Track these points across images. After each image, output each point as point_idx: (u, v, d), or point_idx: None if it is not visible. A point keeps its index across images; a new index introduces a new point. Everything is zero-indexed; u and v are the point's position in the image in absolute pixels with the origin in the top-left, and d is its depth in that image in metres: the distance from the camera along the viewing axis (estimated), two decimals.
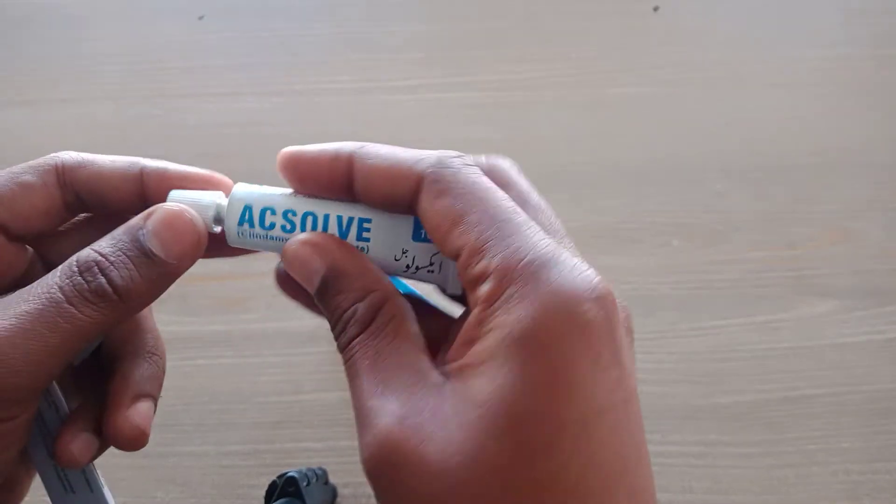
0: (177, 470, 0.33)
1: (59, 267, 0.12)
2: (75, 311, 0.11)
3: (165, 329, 0.37)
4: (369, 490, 0.35)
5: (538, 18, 0.51)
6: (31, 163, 0.13)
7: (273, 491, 0.29)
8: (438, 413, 0.10)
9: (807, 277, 0.39)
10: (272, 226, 0.14)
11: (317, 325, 0.36)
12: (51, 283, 0.11)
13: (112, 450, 0.33)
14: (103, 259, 0.11)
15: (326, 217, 0.14)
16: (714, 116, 0.46)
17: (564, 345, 0.10)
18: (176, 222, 0.12)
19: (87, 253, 0.12)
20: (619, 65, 0.48)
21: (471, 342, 0.11)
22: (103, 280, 0.11)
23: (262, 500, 0.30)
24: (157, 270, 0.12)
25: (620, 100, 0.46)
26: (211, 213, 0.14)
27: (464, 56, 0.49)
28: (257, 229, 0.14)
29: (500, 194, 0.12)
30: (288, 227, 0.14)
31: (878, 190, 0.42)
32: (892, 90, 0.47)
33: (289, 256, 0.13)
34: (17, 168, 0.13)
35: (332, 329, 0.12)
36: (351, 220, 0.14)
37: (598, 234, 0.40)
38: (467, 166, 0.13)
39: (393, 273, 0.14)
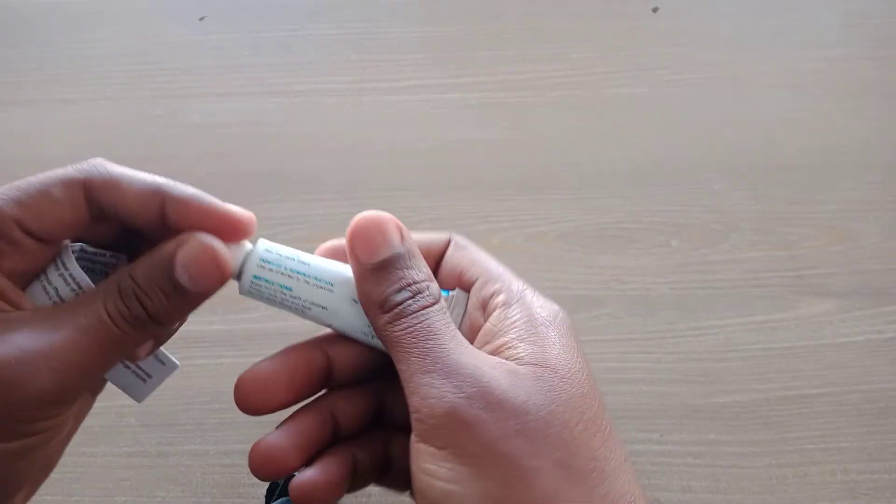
0: (178, 469, 0.33)
1: (104, 288, 0.13)
2: (118, 331, 0.13)
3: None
4: (370, 488, 0.36)
5: (537, 19, 0.51)
6: (61, 174, 0.14)
7: (274, 490, 0.30)
8: (500, 374, 0.13)
9: (805, 277, 0.39)
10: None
11: (317, 326, 0.37)
12: (99, 307, 0.13)
13: (110, 449, 0.34)
14: (141, 291, 0.13)
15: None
16: (713, 117, 0.46)
17: (551, 334, 0.15)
18: (203, 258, 0.13)
19: (127, 283, 0.13)
20: (618, 65, 0.48)
21: (496, 334, 0.15)
22: (141, 310, 0.13)
23: (263, 500, 0.30)
24: (186, 299, 0.14)
25: (619, 100, 0.46)
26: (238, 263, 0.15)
27: (463, 57, 0.49)
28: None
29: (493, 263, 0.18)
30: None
31: (877, 190, 0.42)
32: (891, 91, 0.47)
33: (367, 219, 0.14)
34: (48, 177, 0.14)
35: (395, 295, 0.14)
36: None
37: (597, 234, 0.41)
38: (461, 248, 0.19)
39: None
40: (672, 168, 0.43)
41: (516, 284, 0.16)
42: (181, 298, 0.14)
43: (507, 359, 0.14)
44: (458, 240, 0.18)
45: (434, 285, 0.15)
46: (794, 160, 0.44)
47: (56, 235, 0.14)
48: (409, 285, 0.14)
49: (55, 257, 0.14)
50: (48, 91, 0.48)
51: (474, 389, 0.13)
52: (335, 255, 0.16)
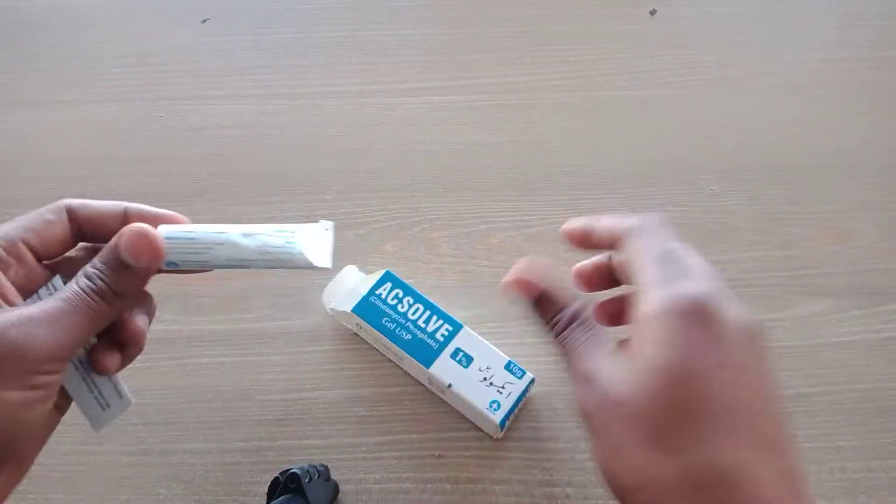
0: (180, 467, 0.33)
1: (75, 277, 0.18)
2: (91, 301, 0.17)
3: (169, 328, 0.38)
4: (370, 486, 0.36)
5: (537, 22, 0.52)
6: (49, 206, 0.19)
7: (275, 487, 0.30)
8: (624, 365, 0.17)
9: (802, 277, 0.39)
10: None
11: (318, 324, 0.37)
12: (73, 285, 0.18)
13: (115, 448, 0.34)
14: (100, 272, 0.18)
15: None
16: (711, 118, 0.46)
17: (679, 319, 0.16)
18: (138, 239, 0.18)
19: (88, 269, 0.18)
20: (617, 68, 0.49)
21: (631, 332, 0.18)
22: (103, 285, 0.18)
23: (265, 497, 0.30)
24: (135, 274, 0.18)
25: (618, 102, 0.47)
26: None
27: (464, 59, 0.49)
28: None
29: (671, 243, 0.18)
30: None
31: (873, 191, 0.43)
32: (888, 92, 0.47)
33: (516, 280, 0.20)
34: (40, 209, 0.19)
35: (547, 323, 0.19)
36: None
37: None
38: (659, 227, 0.19)
39: None
40: (670, 169, 0.44)
41: (651, 285, 0.17)
42: (131, 273, 0.18)
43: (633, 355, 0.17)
44: (639, 227, 0.19)
45: (568, 309, 0.19)
46: (792, 161, 0.44)
47: (52, 251, 0.19)
48: (551, 315, 0.19)
49: (46, 282, 0.18)
50: (50, 92, 0.48)
51: (600, 395, 0.17)
52: (533, 272, 0.20)
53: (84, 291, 0.17)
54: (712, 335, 0.15)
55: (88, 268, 0.18)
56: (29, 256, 0.18)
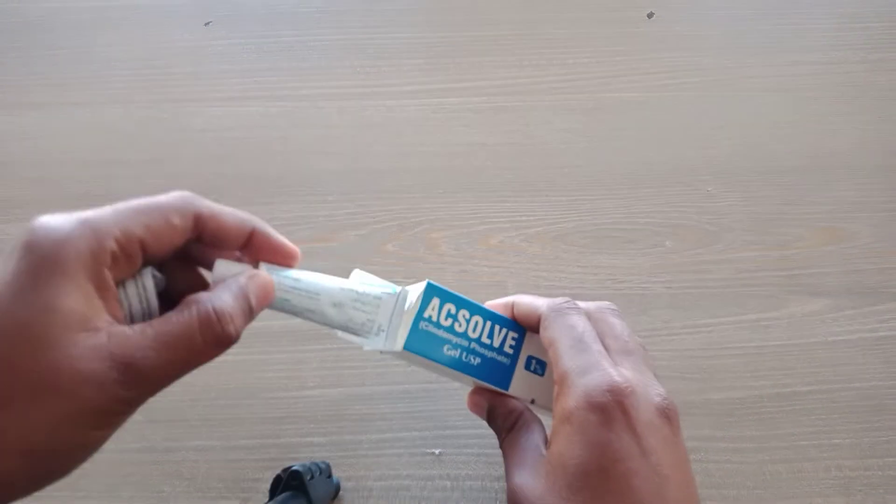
0: (183, 464, 0.34)
1: (192, 307, 0.16)
2: (203, 353, 0.16)
3: None
4: (371, 483, 0.36)
5: (535, 25, 0.52)
6: (173, 204, 0.17)
7: (278, 484, 0.30)
8: (541, 471, 0.17)
9: (798, 277, 0.40)
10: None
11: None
12: (191, 325, 0.15)
13: (117, 445, 0.34)
14: (231, 316, 0.16)
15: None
16: (707, 120, 0.46)
17: (587, 420, 0.16)
18: (268, 288, 0.18)
19: (221, 308, 0.16)
20: (615, 70, 0.49)
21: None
22: (232, 330, 0.16)
23: (268, 494, 0.31)
24: (251, 319, 0.17)
25: (615, 104, 0.47)
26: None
27: (464, 62, 0.50)
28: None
29: (580, 329, 0.19)
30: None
31: (868, 191, 0.43)
32: (883, 94, 0.48)
33: (470, 403, 0.22)
34: (166, 205, 0.17)
35: (497, 436, 0.21)
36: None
37: (593, 236, 0.41)
38: (570, 310, 0.20)
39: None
40: (667, 170, 0.44)
41: (581, 361, 0.18)
42: (250, 319, 0.17)
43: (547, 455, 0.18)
44: (549, 315, 0.20)
45: (510, 418, 0.20)
46: (787, 162, 0.44)
47: (162, 256, 0.17)
48: (497, 427, 0.21)
49: (135, 275, 0.16)
50: (55, 94, 0.49)
51: (510, 495, 0.18)
52: (482, 397, 0.22)
53: (203, 337, 0.15)
54: (619, 428, 0.16)
55: (220, 306, 0.16)
56: (139, 258, 0.16)
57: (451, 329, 0.21)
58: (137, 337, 0.15)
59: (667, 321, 0.38)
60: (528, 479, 0.17)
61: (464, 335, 0.21)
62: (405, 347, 0.20)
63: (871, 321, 0.38)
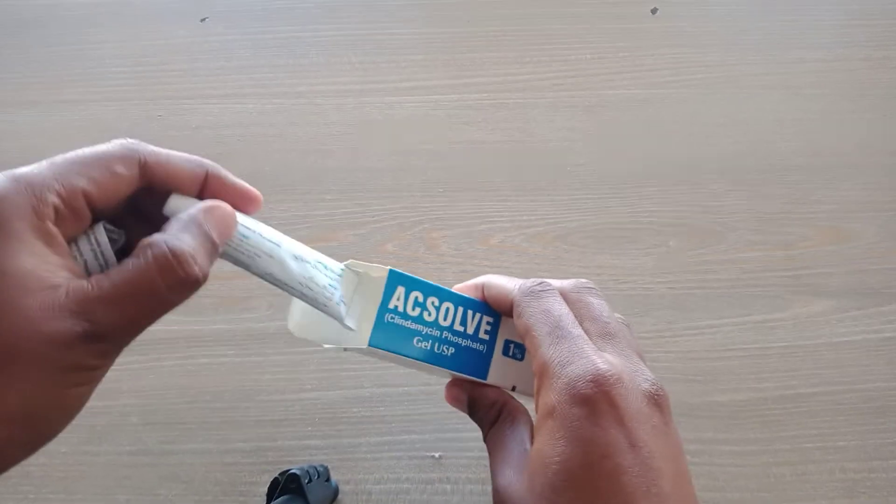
0: (180, 467, 0.33)
1: (147, 250, 0.14)
2: (168, 300, 0.14)
3: (169, 328, 0.38)
4: (370, 487, 0.36)
5: (536, 21, 0.52)
6: (118, 151, 0.15)
7: (275, 488, 0.30)
8: (524, 470, 0.16)
9: (802, 277, 0.39)
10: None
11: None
12: (151, 273, 0.14)
13: (113, 448, 0.34)
14: (191, 255, 0.14)
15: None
16: (711, 118, 0.46)
17: (570, 414, 0.15)
18: (228, 220, 0.16)
19: (178, 247, 0.14)
20: (617, 67, 0.49)
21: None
22: (196, 271, 0.14)
23: (265, 498, 0.30)
24: (216, 255, 0.15)
25: (618, 101, 0.47)
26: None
27: (463, 58, 0.49)
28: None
29: (557, 313, 0.17)
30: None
31: (873, 191, 0.43)
32: (888, 92, 0.47)
33: (448, 397, 0.20)
34: (108, 154, 0.15)
35: (479, 423, 0.19)
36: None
37: (595, 235, 0.41)
38: (544, 292, 0.18)
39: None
40: (670, 169, 0.44)
41: (562, 349, 0.16)
42: (214, 255, 0.15)
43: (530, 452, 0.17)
44: (521, 300, 0.18)
45: (493, 409, 0.19)
46: (792, 161, 0.44)
47: (111, 208, 0.15)
48: (479, 420, 0.19)
49: (86, 231, 0.15)
50: (50, 92, 0.48)
51: (496, 496, 0.17)
52: (461, 389, 0.21)
53: (162, 282, 0.14)
54: (606, 422, 0.15)
55: (177, 245, 0.14)
56: (86, 212, 0.15)
57: (420, 319, 0.19)
58: (95, 290, 0.14)
59: (670, 322, 0.38)
60: (512, 479, 0.16)
61: (434, 324, 0.19)
62: (370, 344, 0.18)
63: (876, 322, 0.38)
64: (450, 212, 0.42)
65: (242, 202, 0.17)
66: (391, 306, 0.19)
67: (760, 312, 0.38)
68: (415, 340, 0.19)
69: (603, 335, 0.17)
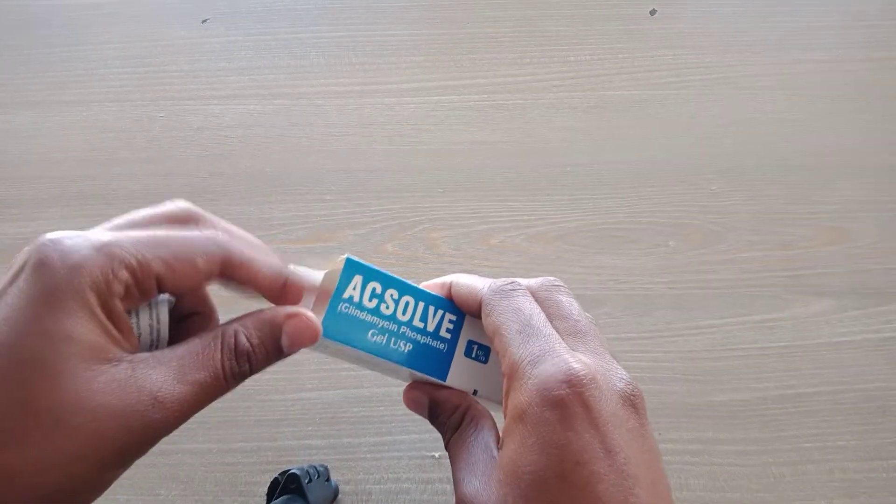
0: (179, 468, 0.33)
1: (219, 339, 0.15)
2: (226, 385, 0.14)
3: None
4: (370, 487, 0.36)
5: (537, 22, 0.52)
6: (203, 245, 0.15)
7: (275, 488, 0.30)
8: (493, 478, 0.15)
9: (802, 277, 0.39)
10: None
11: None
12: (217, 365, 0.14)
13: None
14: (253, 352, 0.15)
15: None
16: (710, 118, 0.46)
17: (542, 418, 0.14)
18: (307, 331, 0.16)
19: (243, 341, 0.15)
20: (617, 67, 0.49)
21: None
22: (248, 368, 0.15)
23: (265, 498, 0.30)
24: (278, 359, 0.16)
25: (618, 102, 0.47)
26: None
27: (463, 59, 0.49)
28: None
29: (527, 312, 0.17)
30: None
31: (873, 190, 0.43)
32: (887, 92, 0.47)
33: (407, 399, 0.19)
34: (192, 243, 0.15)
35: (441, 429, 0.18)
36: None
37: (595, 235, 0.41)
38: (513, 290, 0.17)
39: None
40: (670, 169, 0.44)
41: (533, 348, 0.16)
42: (276, 358, 0.15)
43: (498, 458, 0.16)
44: (490, 299, 0.17)
45: (456, 413, 0.18)
46: (791, 161, 0.44)
47: (180, 295, 0.16)
48: (441, 425, 0.18)
49: (150, 303, 0.15)
50: (51, 93, 0.49)
51: None
52: (420, 391, 0.20)
53: (225, 377, 0.14)
54: (580, 426, 0.14)
55: (242, 340, 0.15)
56: (153, 293, 0.14)
57: (376, 311, 0.18)
58: (162, 368, 0.14)
59: (670, 322, 0.38)
60: (479, 489, 0.15)
61: (392, 318, 0.18)
62: (324, 335, 0.17)
63: (876, 322, 0.38)
64: (450, 212, 0.42)
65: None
66: (346, 296, 0.18)
67: (760, 312, 0.38)
68: (369, 333, 0.18)
69: (574, 333, 0.16)
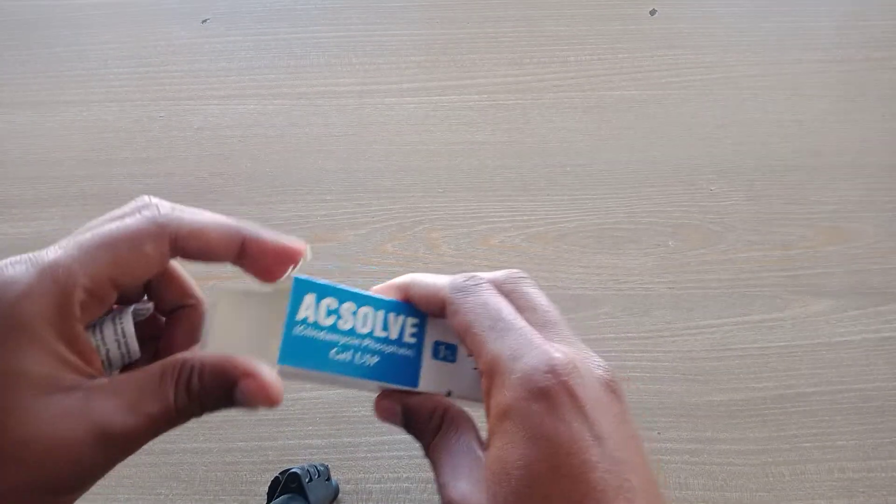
0: (180, 467, 0.33)
1: (176, 373, 0.14)
2: (177, 419, 0.14)
3: None
4: (370, 486, 0.36)
5: (536, 22, 0.52)
6: (145, 229, 0.14)
7: (276, 487, 0.30)
8: (481, 479, 0.15)
9: (801, 277, 0.39)
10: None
11: None
12: (169, 400, 0.14)
13: None
14: (205, 395, 0.14)
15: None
16: (710, 119, 0.46)
17: (529, 411, 0.14)
18: (260, 395, 0.14)
19: (194, 383, 0.14)
20: (617, 68, 0.49)
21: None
22: (199, 409, 0.14)
23: (265, 497, 0.30)
24: (231, 406, 0.15)
25: (617, 102, 0.47)
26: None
27: (463, 60, 0.49)
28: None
29: (495, 306, 0.16)
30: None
31: (872, 190, 0.43)
32: (886, 93, 0.47)
33: (378, 410, 0.18)
34: (135, 231, 0.14)
35: (418, 437, 0.17)
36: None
37: (595, 235, 0.41)
38: (476, 286, 0.17)
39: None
40: (669, 169, 0.44)
41: (508, 342, 0.15)
42: (229, 406, 0.15)
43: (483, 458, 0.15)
44: (454, 297, 0.17)
45: (434, 417, 0.17)
46: (791, 161, 0.44)
47: (137, 288, 0.15)
48: (418, 432, 0.18)
49: (113, 315, 0.15)
50: (52, 93, 0.49)
51: None
52: (391, 399, 0.19)
53: (177, 413, 0.14)
54: (568, 414, 0.14)
55: (195, 383, 0.14)
56: (112, 297, 0.14)
57: (334, 328, 0.17)
58: (116, 398, 0.13)
59: (669, 322, 0.38)
60: (467, 491, 0.14)
61: (352, 332, 0.17)
62: (280, 362, 0.16)
63: (876, 322, 0.38)
64: (450, 212, 0.42)
65: (285, 260, 0.16)
66: (300, 318, 0.17)
67: (759, 312, 0.38)
68: (332, 352, 0.17)
69: (545, 324, 0.16)
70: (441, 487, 0.15)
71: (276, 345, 0.16)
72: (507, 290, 0.17)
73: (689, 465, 0.33)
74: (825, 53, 0.49)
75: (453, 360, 0.19)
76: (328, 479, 0.32)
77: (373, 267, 0.36)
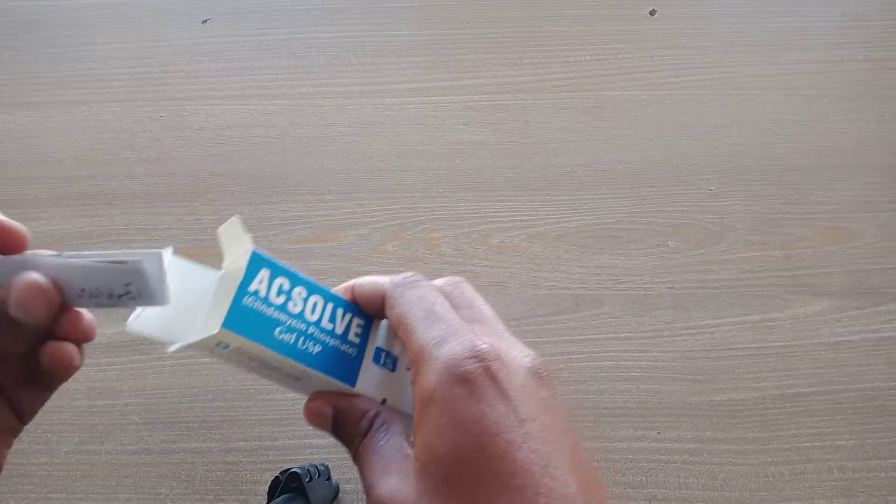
0: (181, 466, 0.33)
1: None
2: None
3: None
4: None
5: (536, 22, 0.52)
6: None
7: (276, 487, 0.30)
8: (409, 473, 0.15)
9: (801, 277, 0.39)
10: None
11: None
12: None
13: (114, 447, 0.34)
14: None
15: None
16: (709, 119, 0.46)
17: (452, 395, 0.14)
18: (32, 295, 0.14)
19: None
20: (616, 68, 0.49)
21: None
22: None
23: (265, 497, 0.30)
24: (28, 329, 0.15)
25: (617, 102, 0.47)
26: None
27: (463, 60, 0.50)
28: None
29: (431, 300, 0.16)
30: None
31: (872, 191, 0.43)
32: (885, 93, 0.47)
33: (308, 411, 0.18)
34: None
35: (348, 447, 0.17)
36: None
37: (595, 235, 0.41)
38: (416, 282, 0.17)
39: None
40: (669, 169, 0.44)
41: (435, 332, 0.15)
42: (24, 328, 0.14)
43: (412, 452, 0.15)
44: (392, 292, 0.17)
45: (363, 419, 0.17)
46: (790, 161, 0.44)
47: None
48: (347, 435, 0.17)
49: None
50: (53, 93, 0.49)
51: None
52: (323, 400, 0.18)
53: None
54: (490, 397, 0.14)
55: None
56: None
57: (283, 308, 0.17)
58: None
59: (669, 322, 0.38)
60: (397, 486, 0.14)
61: (300, 317, 0.17)
62: (224, 325, 0.15)
63: (875, 322, 0.38)
64: (450, 212, 0.42)
65: (13, 242, 0.15)
66: (252, 289, 0.16)
67: (759, 312, 0.38)
68: (276, 331, 0.16)
69: (478, 320, 0.16)
70: (368, 489, 0.15)
71: (221, 312, 0.16)
72: (446, 291, 0.17)
73: (688, 465, 0.33)
74: (825, 53, 0.49)
75: (392, 370, 0.18)
76: (328, 478, 0.32)
77: (373, 267, 0.36)
